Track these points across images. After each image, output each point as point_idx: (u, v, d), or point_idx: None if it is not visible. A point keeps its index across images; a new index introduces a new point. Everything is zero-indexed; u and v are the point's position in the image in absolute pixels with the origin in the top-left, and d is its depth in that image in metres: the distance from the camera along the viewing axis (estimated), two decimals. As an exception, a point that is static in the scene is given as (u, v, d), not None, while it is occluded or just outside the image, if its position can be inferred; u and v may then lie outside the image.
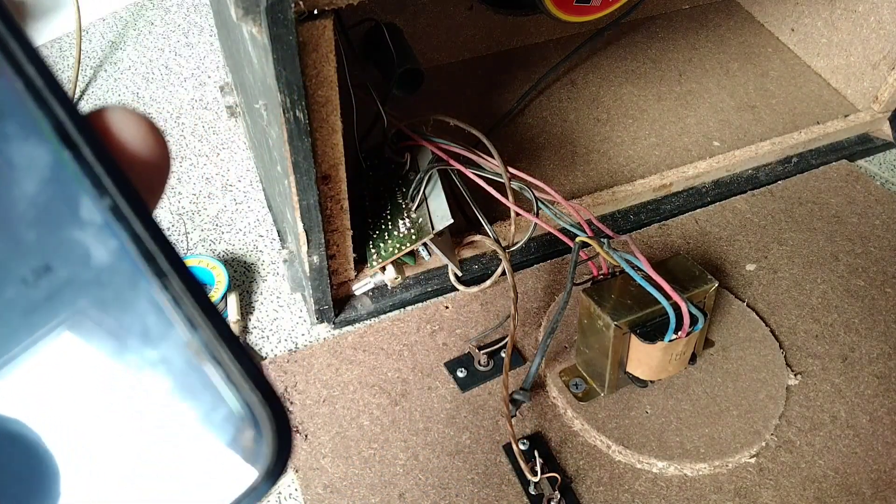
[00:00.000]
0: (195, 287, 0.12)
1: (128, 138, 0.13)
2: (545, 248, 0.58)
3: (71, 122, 0.12)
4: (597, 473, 0.45)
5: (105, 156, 0.12)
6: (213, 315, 0.12)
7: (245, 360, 0.12)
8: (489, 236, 0.52)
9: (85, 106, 0.69)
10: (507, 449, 0.46)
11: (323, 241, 0.45)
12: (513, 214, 0.52)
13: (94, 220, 0.12)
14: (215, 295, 0.53)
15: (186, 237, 0.57)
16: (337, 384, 0.49)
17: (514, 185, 0.51)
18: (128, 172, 0.12)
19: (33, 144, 0.12)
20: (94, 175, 0.12)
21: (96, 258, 0.12)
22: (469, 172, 0.51)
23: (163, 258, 0.12)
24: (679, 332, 0.43)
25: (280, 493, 0.45)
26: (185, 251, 0.58)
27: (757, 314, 0.54)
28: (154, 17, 0.80)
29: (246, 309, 0.54)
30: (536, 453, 0.44)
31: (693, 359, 0.47)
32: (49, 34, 0.77)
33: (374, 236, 0.51)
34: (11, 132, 0.12)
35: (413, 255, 0.52)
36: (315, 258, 0.46)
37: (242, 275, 0.57)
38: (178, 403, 0.12)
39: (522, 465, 0.43)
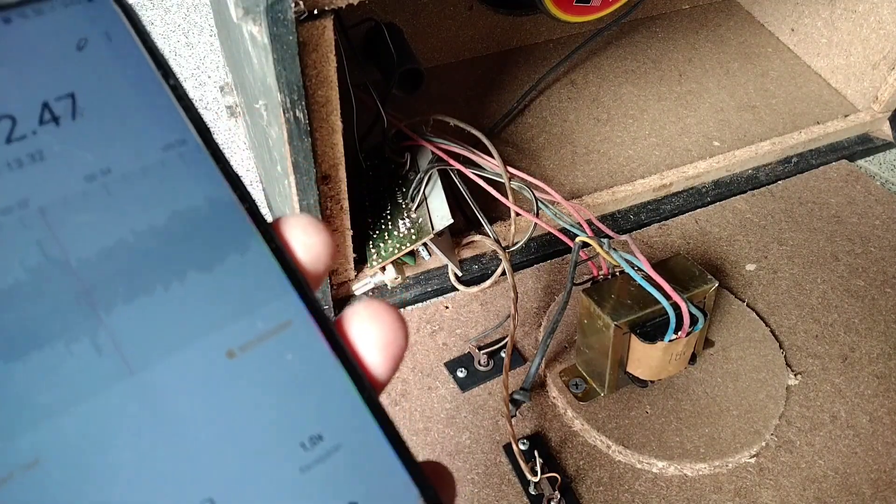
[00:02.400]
0: (409, 453, 0.16)
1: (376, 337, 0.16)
2: (545, 248, 0.58)
3: (330, 332, 0.16)
4: (597, 473, 0.45)
5: (351, 356, 0.16)
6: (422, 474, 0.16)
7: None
8: (489, 236, 0.52)
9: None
10: (507, 449, 0.46)
11: (323, 241, 0.45)
12: (513, 214, 0.52)
13: (352, 404, 0.16)
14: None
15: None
16: (337, 384, 0.49)
17: (514, 185, 0.51)
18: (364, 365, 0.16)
19: (306, 348, 0.16)
20: (353, 369, 0.16)
21: (354, 434, 0.16)
22: (469, 172, 0.51)
23: (394, 431, 0.16)
24: (679, 332, 0.43)
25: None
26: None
27: (757, 314, 0.54)
28: (154, 17, 0.80)
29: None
30: (536, 453, 0.44)
31: (693, 359, 0.47)
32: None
33: (374, 236, 0.51)
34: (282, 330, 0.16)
35: (413, 255, 0.52)
36: (315, 258, 0.46)
37: (242, 275, 0.57)
38: None
39: (522, 465, 0.43)
